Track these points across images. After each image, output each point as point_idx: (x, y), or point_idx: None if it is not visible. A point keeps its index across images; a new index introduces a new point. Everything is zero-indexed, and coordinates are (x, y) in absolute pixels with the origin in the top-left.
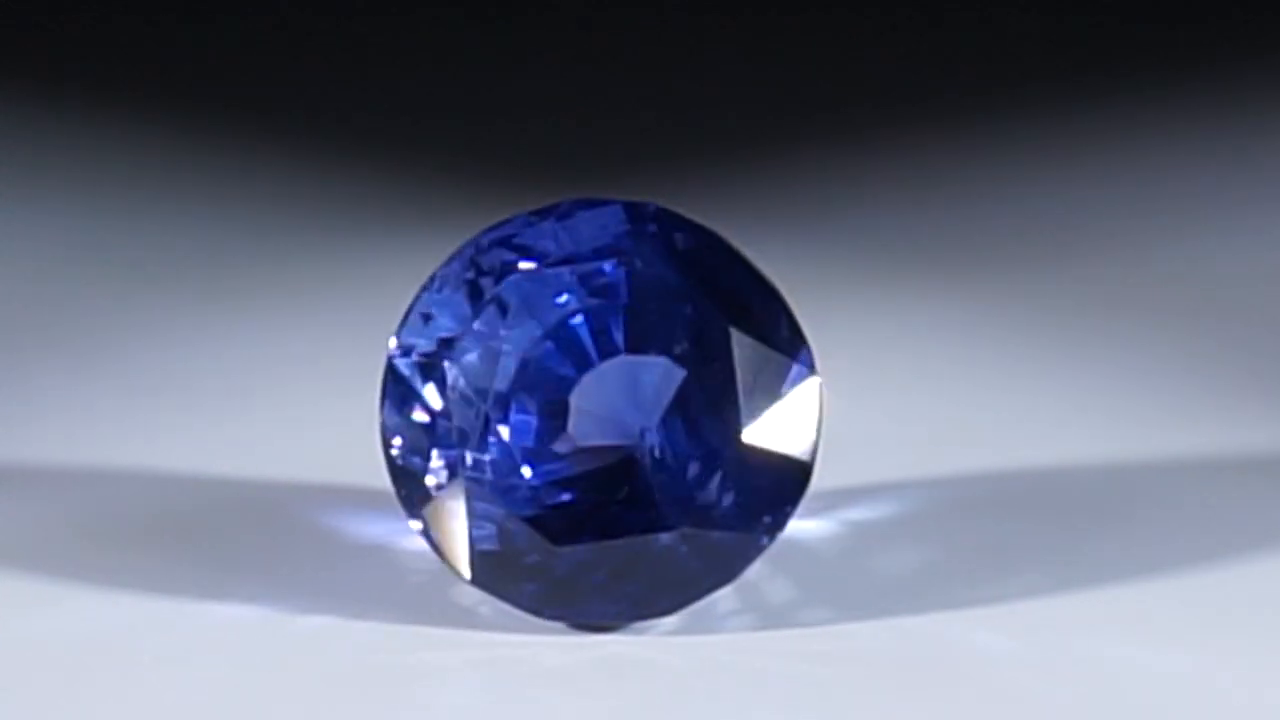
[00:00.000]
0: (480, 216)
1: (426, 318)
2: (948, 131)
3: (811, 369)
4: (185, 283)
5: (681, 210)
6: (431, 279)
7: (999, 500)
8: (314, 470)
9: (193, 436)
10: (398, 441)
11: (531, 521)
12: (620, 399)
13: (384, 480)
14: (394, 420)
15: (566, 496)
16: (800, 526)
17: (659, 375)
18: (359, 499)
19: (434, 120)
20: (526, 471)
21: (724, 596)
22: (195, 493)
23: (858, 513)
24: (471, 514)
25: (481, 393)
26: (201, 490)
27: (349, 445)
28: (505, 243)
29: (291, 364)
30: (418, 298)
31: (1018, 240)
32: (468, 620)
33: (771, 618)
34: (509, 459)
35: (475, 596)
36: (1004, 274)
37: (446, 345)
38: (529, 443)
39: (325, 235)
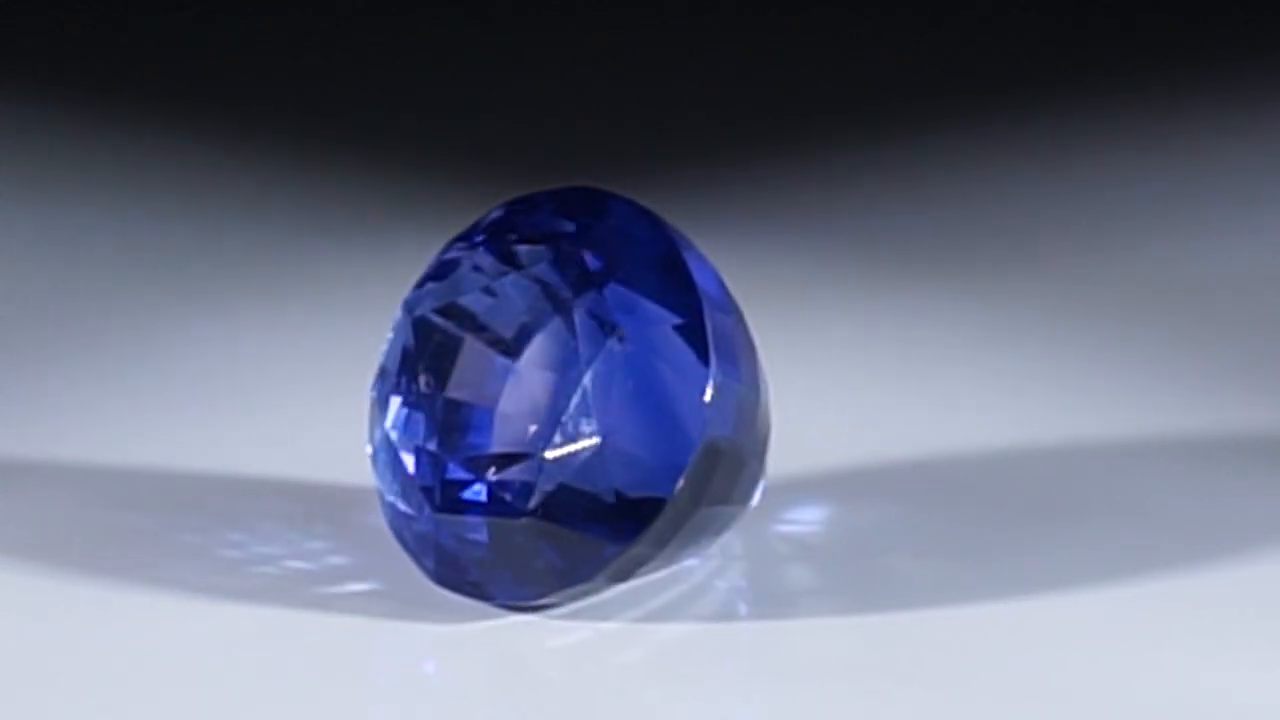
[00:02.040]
0: (477, 217)
1: (425, 273)
2: (943, 132)
3: (707, 384)
4: (183, 282)
5: (677, 208)
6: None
7: (960, 499)
8: (311, 468)
9: (193, 433)
10: (372, 380)
11: (425, 490)
12: (529, 389)
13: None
14: (381, 362)
15: (460, 473)
16: (745, 521)
17: (567, 373)
18: (355, 497)
19: (432, 120)
20: (431, 445)
21: (658, 588)
22: (192, 488)
23: (806, 511)
24: (386, 470)
25: (413, 361)
26: (198, 486)
27: (344, 442)
28: (505, 216)
29: (290, 362)
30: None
31: (1002, 241)
32: (428, 615)
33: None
34: (420, 427)
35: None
36: (990, 274)
37: (423, 305)
38: (438, 417)
39: (325, 235)
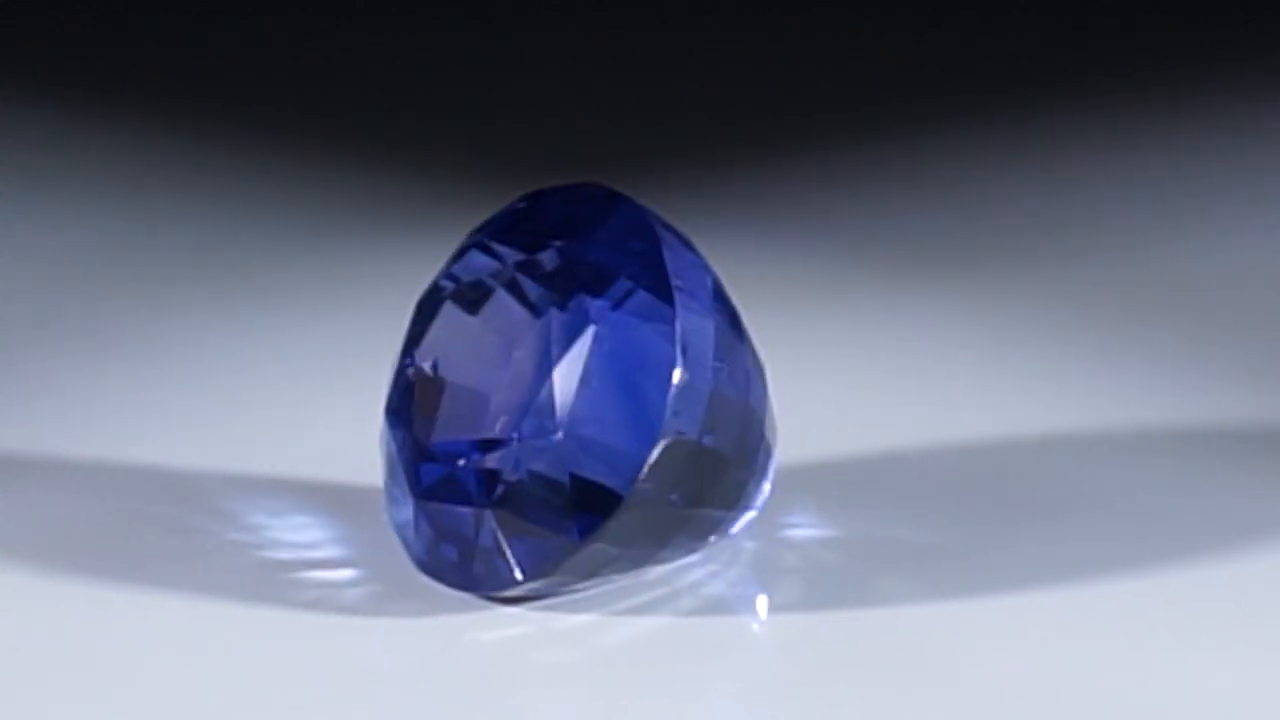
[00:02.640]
0: (479, 217)
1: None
2: (943, 132)
3: (670, 383)
4: (183, 281)
5: (677, 208)
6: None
7: (959, 498)
8: (314, 467)
9: (192, 433)
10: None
11: (408, 475)
12: (505, 378)
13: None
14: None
15: (438, 458)
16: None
17: (541, 364)
18: (360, 492)
19: (432, 120)
20: (414, 429)
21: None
22: (192, 487)
23: (802, 512)
24: (385, 456)
25: (412, 345)
26: (198, 484)
27: (350, 442)
28: (512, 213)
29: (291, 361)
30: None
31: (1002, 241)
32: (419, 611)
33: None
34: (409, 410)
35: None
36: (990, 273)
37: (430, 290)
38: (422, 401)
39: (325, 234)
